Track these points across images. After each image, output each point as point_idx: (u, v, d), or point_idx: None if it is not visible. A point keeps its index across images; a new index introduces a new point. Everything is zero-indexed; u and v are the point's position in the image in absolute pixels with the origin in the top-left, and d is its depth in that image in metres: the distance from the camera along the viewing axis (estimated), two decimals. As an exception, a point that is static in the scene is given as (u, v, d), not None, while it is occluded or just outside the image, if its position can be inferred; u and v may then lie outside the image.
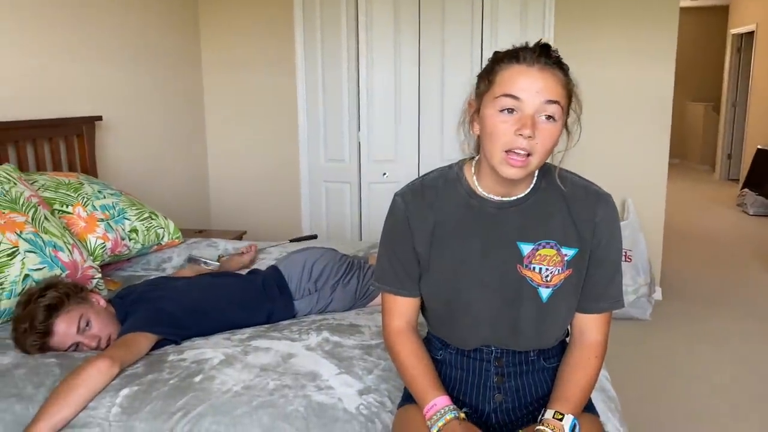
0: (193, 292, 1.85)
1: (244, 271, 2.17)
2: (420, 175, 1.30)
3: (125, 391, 1.41)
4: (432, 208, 1.22)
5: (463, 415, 1.17)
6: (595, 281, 1.21)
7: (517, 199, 1.19)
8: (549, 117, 1.08)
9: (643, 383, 2.78)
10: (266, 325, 1.82)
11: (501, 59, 1.12)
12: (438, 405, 1.17)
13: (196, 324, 1.74)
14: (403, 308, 1.28)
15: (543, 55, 1.08)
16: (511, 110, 1.08)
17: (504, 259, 1.19)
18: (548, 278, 1.18)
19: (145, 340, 1.60)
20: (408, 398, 1.30)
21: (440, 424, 1.15)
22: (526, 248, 1.18)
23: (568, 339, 1.30)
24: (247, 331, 1.74)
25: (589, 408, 1.27)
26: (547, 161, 1.23)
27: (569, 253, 1.18)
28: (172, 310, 1.73)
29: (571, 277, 1.19)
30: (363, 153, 3.81)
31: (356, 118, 3.77)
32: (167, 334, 1.66)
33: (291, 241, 2.67)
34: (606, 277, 1.22)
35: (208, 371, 1.48)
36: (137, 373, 1.48)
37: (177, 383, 1.43)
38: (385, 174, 3.81)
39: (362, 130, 3.77)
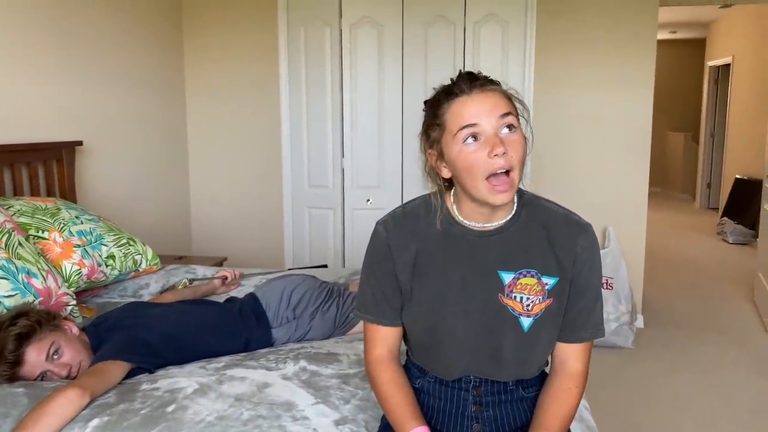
0: (169, 319, 1.82)
1: (222, 298, 2.14)
2: (403, 202, 1.30)
3: (95, 422, 1.37)
4: (414, 236, 1.22)
5: None
6: (576, 310, 1.21)
7: (498, 227, 1.19)
8: (509, 126, 1.10)
9: (624, 412, 2.76)
10: (243, 354, 1.79)
11: (438, 102, 1.15)
12: None
13: (171, 352, 1.71)
14: (384, 337, 1.26)
15: (472, 80, 1.12)
16: (474, 138, 1.09)
17: (485, 288, 1.19)
18: (529, 307, 1.18)
19: (117, 368, 1.56)
20: (386, 428, 1.28)
21: None
22: (507, 277, 1.18)
23: (548, 368, 1.29)
24: (224, 360, 1.71)
25: (568, 438, 1.26)
26: (528, 191, 1.24)
27: (550, 282, 1.18)
28: (147, 338, 1.69)
29: (552, 306, 1.19)
30: (347, 179, 3.82)
31: (340, 144, 3.79)
32: (141, 363, 1.62)
33: (304, 268, 2.65)
34: (587, 306, 1.22)
35: (182, 401, 1.44)
36: (108, 403, 1.44)
37: (149, 413, 1.40)
38: (368, 200, 3.81)
39: (346, 156, 3.78)
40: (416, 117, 4.03)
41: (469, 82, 1.11)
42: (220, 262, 3.16)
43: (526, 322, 1.18)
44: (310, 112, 3.84)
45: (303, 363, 1.66)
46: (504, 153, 1.08)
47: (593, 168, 3.67)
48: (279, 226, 3.99)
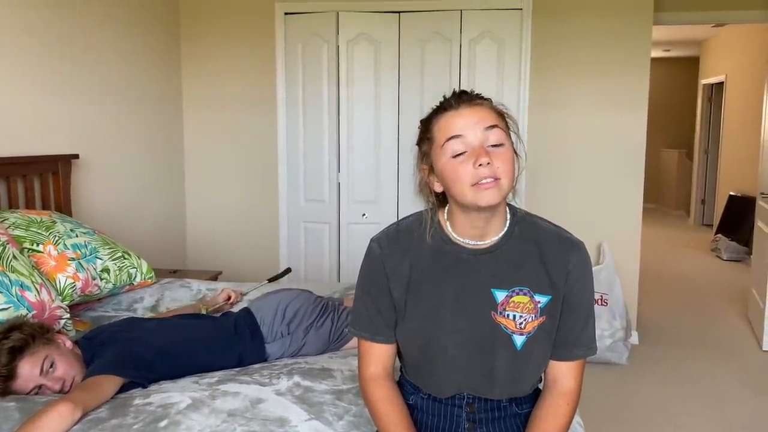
0: (163, 333, 1.81)
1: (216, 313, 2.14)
2: (398, 216, 1.31)
3: (85, 437, 1.36)
4: (407, 253, 1.23)
5: None
6: (568, 328, 1.22)
7: (491, 245, 1.20)
8: (495, 145, 1.11)
9: (617, 428, 2.76)
10: (237, 369, 1.78)
11: (429, 118, 1.18)
12: None
13: (165, 366, 1.71)
14: (378, 354, 1.26)
15: (462, 96, 1.14)
16: (461, 150, 1.12)
17: (478, 306, 1.19)
18: (522, 325, 1.18)
19: (110, 383, 1.55)
20: (378, 445, 1.27)
21: None
22: (500, 295, 1.19)
23: (541, 385, 1.29)
24: (217, 375, 1.70)
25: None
26: (520, 208, 1.25)
27: (542, 300, 1.19)
28: (141, 352, 1.69)
29: (545, 324, 1.19)
30: (342, 194, 3.83)
31: (336, 159, 3.80)
32: (134, 377, 1.62)
33: (269, 281, 2.64)
34: (579, 323, 1.22)
35: (174, 416, 1.44)
36: (101, 418, 1.43)
37: (141, 428, 1.39)
38: (364, 215, 3.82)
39: (342, 171, 3.80)
40: (412, 132, 4.05)
41: (459, 97, 1.14)
42: (215, 276, 3.16)
43: (519, 340, 1.19)
44: (307, 126, 3.86)
45: (297, 378, 1.66)
46: (488, 163, 1.09)
47: (588, 185, 3.69)
48: (275, 241, 3.99)
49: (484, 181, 1.10)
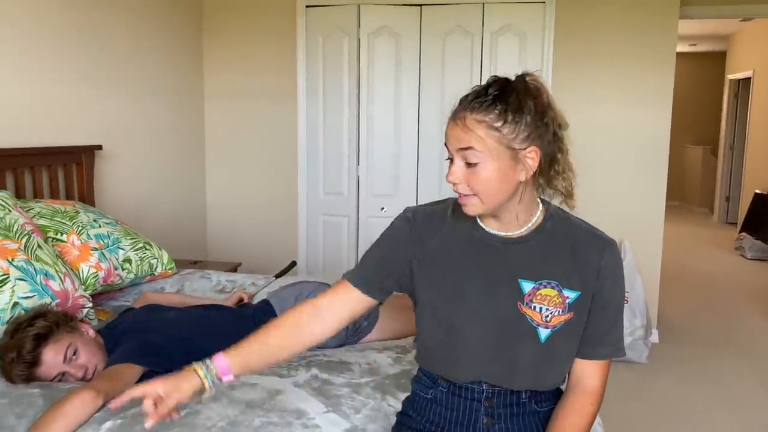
0: (182, 323, 1.83)
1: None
2: None
3: (108, 425, 1.38)
4: (439, 231, 1.23)
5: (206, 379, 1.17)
6: (596, 326, 1.21)
7: (521, 236, 1.20)
8: (469, 164, 1.12)
9: (637, 428, 2.73)
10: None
11: None
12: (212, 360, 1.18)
13: (184, 356, 1.71)
14: (340, 297, 1.25)
15: (462, 102, 1.13)
16: (449, 159, 1.15)
17: (505, 295, 1.19)
18: (548, 318, 1.18)
19: (131, 371, 1.57)
20: (396, 439, 1.28)
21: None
22: (527, 286, 1.18)
23: (563, 386, 1.28)
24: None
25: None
26: (554, 203, 1.23)
27: (571, 295, 1.18)
28: (161, 342, 1.71)
29: (571, 320, 1.18)
30: (362, 187, 3.83)
31: (356, 152, 3.80)
32: (154, 366, 1.63)
33: (276, 277, 2.65)
34: (607, 322, 1.21)
35: (194, 405, 1.45)
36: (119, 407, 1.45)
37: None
38: (383, 209, 3.82)
39: (362, 164, 3.80)
40: (432, 126, 4.02)
41: (460, 104, 1.14)
42: (234, 268, 3.18)
43: (543, 333, 1.18)
44: (327, 119, 3.86)
45: (314, 371, 1.67)
46: (454, 182, 1.13)
47: (610, 181, 3.65)
48: (293, 233, 4.01)
49: (459, 194, 1.15)
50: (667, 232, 3.82)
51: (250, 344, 1.21)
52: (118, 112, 3.09)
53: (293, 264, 2.79)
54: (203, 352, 1.76)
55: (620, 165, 3.64)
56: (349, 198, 3.89)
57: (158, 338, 1.72)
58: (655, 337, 3.76)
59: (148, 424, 1.13)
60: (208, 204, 4.06)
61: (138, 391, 1.16)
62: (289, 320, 1.25)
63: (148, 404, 1.15)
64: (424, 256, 1.23)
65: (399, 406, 1.43)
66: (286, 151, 3.94)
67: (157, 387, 1.16)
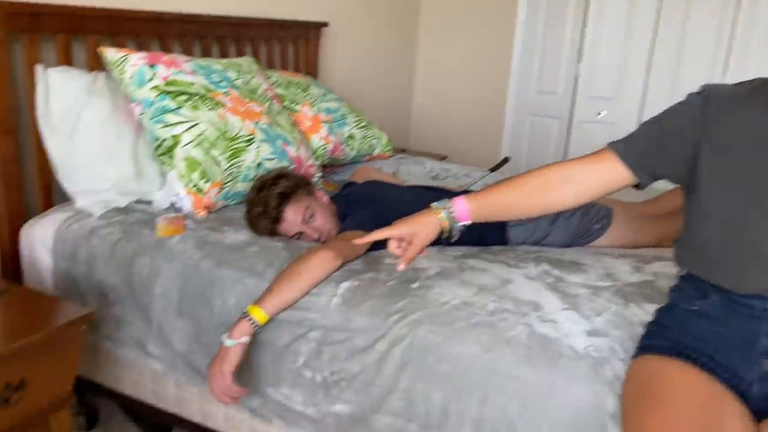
0: (406, 201, 1.81)
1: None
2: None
3: (346, 284, 1.42)
4: (740, 119, 1.03)
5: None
6: None
7: None
8: None
9: None
10: (477, 248, 1.74)
11: None
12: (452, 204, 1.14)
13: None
14: (599, 164, 1.11)
15: None
16: None
17: None
18: None
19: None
20: (646, 349, 1.15)
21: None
22: None
23: None
24: (460, 250, 1.68)
25: None
26: None
27: None
28: (389, 217, 1.70)
29: None
30: (579, 86, 3.52)
31: (578, 46, 3.47)
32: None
33: (491, 170, 2.55)
34: None
35: (425, 280, 1.44)
36: (356, 270, 1.49)
37: (395, 286, 1.42)
38: (600, 113, 3.50)
39: (584, 60, 3.47)
40: (673, 26, 3.50)
41: None
42: (440, 159, 3.14)
43: None
44: (550, 10, 3.54)
45: (545, 266, 1.57)
46: None
47: None
48: (498, 131, 3.86)
49: None
50: None
51: (491, 194, 1.15)
52: (344, -9, 3.08)
53: (507, 160, 2.67)
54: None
55: None
56: (563, 98, 3.61)
57: (387, 212, 1.72)
58: None
59: (401, 266, 1.13)
60: (415, 94, 4.02)
61: (381, 233, 1.15)
62: (535, 180, 1.15)
63: (392, 246, 1.14)
64: (718, 142, 1.03)
65: (645, 317, 1.29)
66: (500, 43, 3.72)
67: (400, 229, 1.15)
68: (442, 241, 1.15)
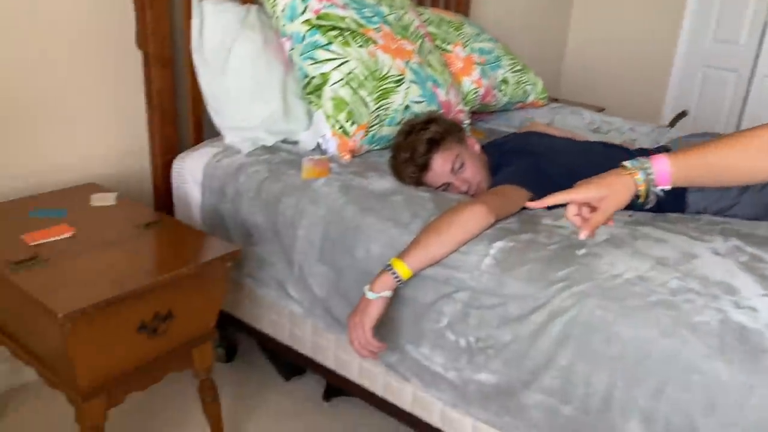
0: (573, 153, 1.62)
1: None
2: None
3: (499, 244, 1.29)
4: None
5: None
6: None
7: None
8: None
9: None
10: (652, 213, 1.52)
11: None
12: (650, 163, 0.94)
13: (571, 191, 1.53)
14: None
15: None
16: None
17: None
18: None
19: (519, 195, 1.43)
20: None
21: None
22: None
23: None
24: (635, 214, 1.47)
25: None
26: None
27: None
28: (550, 171, 1.53)
29: None
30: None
31: (773, -11, 2.97)
32: (542, 195, 1.47)
33: (670, 125, 2.25)
34: None
35: (592, 247, 1.27)
36: (511, 229, 1.34)
37: (557, 251, 1.26)
38: (792, 66, 3.01)
39: (781, 3, 2.97)
40: None
41: None
42: (599, 110, 2.85)
43: None
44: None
45: (735, 242, 1.33)
46: None
47: None
48: (662, 84, 3.45)
49: None
50: None
51: (702, 154, 0.94)
52: None
53: (684, 114, 2.35)
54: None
55: None
56: (746, 49, 3.14)
57: (547, 166, 1.54)
58: None
59: (583, 234, 0.96)
60: (569, 40, 3.68)
61: (561, 196, 0.98)
62: (756, 141, 0.92)
63: (571, 212, 0.98)
64: None
65: None
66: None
67: (586, 192, 0.97)
68: (635, 206, 0.96)
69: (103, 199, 1.56)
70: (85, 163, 1.76)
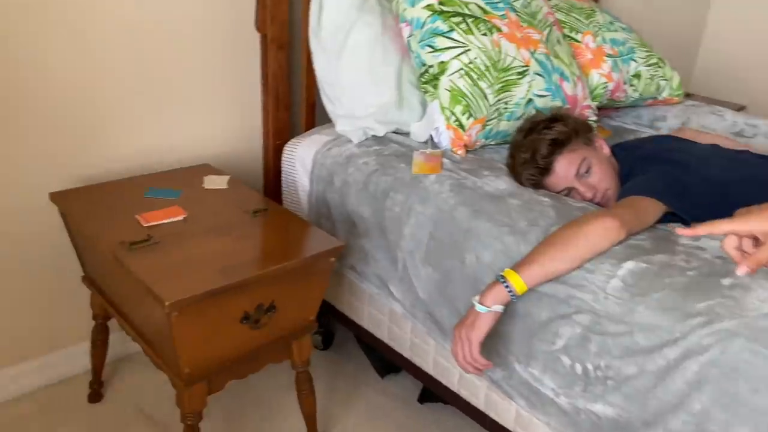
0: (716, 163, 1.44)
1: None
2: None
3: (630, 264, 1.15)
4: None
5: None
6: None
7: None
8: None
9: None
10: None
11: None
12: None
13: (714, 206, 1.35)
14: None
15: None
16: None
17: None
18: None
19: (654, 208, 1.28)
20: None
21: None
22: None
23: None
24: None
25: None
26: None
27: None
28: (690, 182, 1.36)
29: None
30: None
31: None
32: (679, 210, 1.31)
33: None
34: None
35: (741, 278, 1.10)
36: (643, 247, 1.20)
37: (697, 278, 1.11)
38: None
39: None
40: None
41: None
42: (738, 109, 2.57)
43: None
44: None
45: None
46: None
47: None
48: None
49: None
50: None
51: None
52: None
53: None
54: (737, 204, 1.37)
55: None
56: None
57: (685, 175, 1.37)
58: None
59: (741, 270, 0.80)
60: (708, 26, 3.34)
61: (725, 226, 0.82)
62: None
63: (730, 245, 0.82)
64: None
65: None
66: None
67: (753, 224, 0.80)
68: None
69: (215, 182, 1.56)
70: (200, 143, 1.78)
